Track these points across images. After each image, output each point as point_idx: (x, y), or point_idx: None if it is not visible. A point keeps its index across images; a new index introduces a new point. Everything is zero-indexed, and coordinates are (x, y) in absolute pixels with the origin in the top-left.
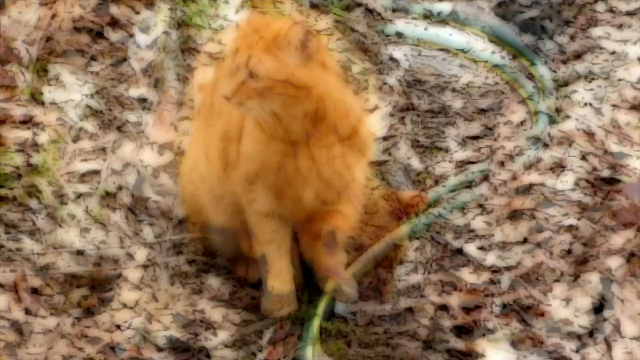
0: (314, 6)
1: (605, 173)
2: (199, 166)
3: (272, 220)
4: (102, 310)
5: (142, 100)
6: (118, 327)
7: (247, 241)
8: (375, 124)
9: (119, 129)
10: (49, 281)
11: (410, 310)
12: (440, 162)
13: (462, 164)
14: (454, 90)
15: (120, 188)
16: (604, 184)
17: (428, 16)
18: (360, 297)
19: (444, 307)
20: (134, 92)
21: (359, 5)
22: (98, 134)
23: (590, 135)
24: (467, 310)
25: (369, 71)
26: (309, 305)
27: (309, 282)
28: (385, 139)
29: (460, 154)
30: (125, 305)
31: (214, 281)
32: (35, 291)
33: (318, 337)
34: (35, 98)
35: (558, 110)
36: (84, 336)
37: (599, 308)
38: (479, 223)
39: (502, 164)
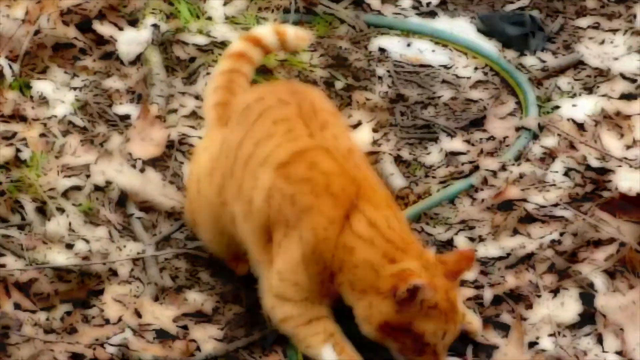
0: (297, 22)
1: (589, 188)
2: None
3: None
4: (91, 305)
5: (131, 93)
6: (107, 321)
7: (235, 264)
8: (362, 139)
9: (107, 122)
10: (38, 275)
11: None
12: (423, 178)
13: (445, 179)
14: (436, 105)
15: (109, 183)
16: (588, 199)
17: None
18: None
19: None
20: (122, 84)
21: (343, 21)
22: (87, 127)
23: (572, 149)
24: None
25: (352, 87)
26: None
27: None
28: (368, 154)
29: (443, 170)
30: (115, 300)
31: (196, 297)
32: (24, 285)
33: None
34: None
35: (540, 126)
36: (74, 330)
37: (581, 323)
38: (461, 239)
39: (485, 179)
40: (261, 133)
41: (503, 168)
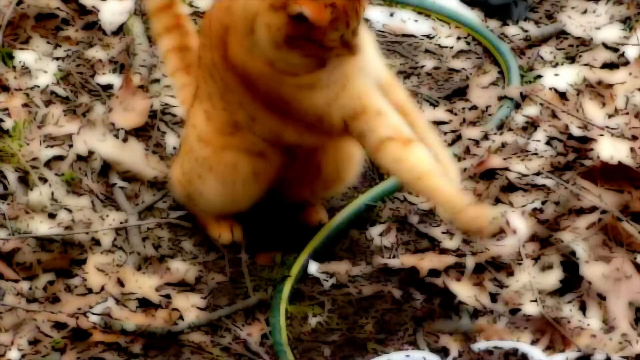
0: None
1: (571, 157)
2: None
3: None
4: (74, 274)
5: (113, 62)
6: (90, 290)
7: (216, 226)
8: None
9: (90, 92)
10: (21, 245)
11: (383, 270)
12: None
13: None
14: (419, 75)
15: (91, 153)
16: (569, 168)
17: None
18: (333, 258)
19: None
20: (104, 54)
21: None
22: (70, 97)
23: (554, 118)
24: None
25: None
26: (282, 267)
27: (284, 244)
28: None
29: None
30: (97, 270)
31: (179, 266)
32: (6, 255)
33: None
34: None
35: (523, 95)
36: (57, 299)
37: (562, 290)
38: None
39: (467, 149)
40: None
41: (485, 137)
